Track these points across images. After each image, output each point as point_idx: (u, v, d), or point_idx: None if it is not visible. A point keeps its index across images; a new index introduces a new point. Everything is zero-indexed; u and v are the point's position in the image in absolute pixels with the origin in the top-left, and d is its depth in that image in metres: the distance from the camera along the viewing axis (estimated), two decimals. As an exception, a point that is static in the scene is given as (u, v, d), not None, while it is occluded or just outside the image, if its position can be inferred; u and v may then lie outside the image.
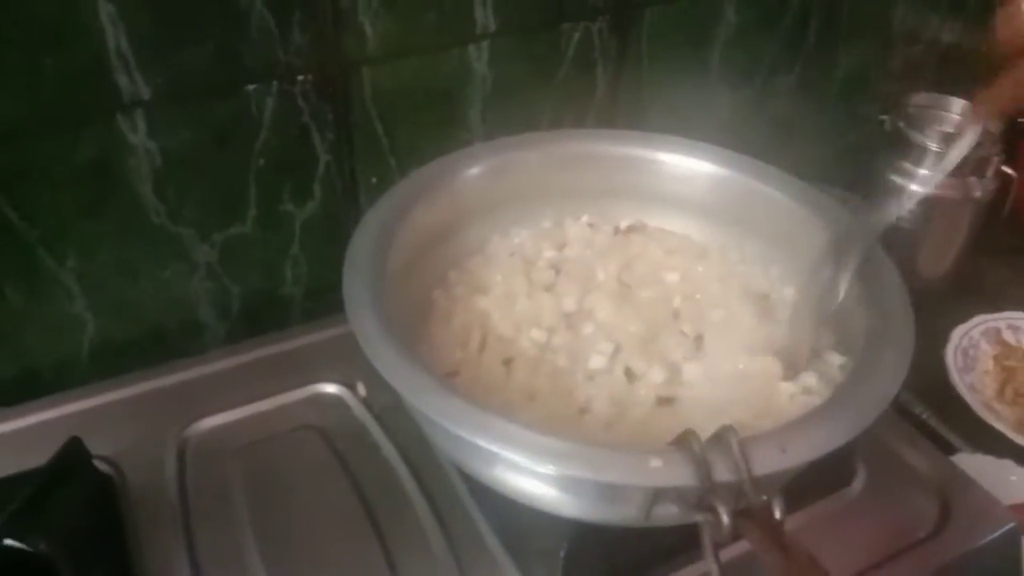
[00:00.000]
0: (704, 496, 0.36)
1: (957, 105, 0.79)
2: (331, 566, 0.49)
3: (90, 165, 0.53)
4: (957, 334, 0.81)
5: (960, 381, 0.76)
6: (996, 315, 0.84)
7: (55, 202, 0.54)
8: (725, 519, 0.35)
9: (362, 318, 0.47)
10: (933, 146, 0.76)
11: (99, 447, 0.54)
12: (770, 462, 0.38)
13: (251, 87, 0.56)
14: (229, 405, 0.58)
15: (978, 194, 0.80)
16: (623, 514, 0.42)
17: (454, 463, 0.52)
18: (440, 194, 0.56)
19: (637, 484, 0.38)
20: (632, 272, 0.58)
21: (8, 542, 0.47)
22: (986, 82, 0.46)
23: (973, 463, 0.66)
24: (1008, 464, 0.68)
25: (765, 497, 0.36)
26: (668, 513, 0.41)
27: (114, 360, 0.61)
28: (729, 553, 0.41)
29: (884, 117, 0.81)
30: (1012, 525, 0.53)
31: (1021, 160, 0.85)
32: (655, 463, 0.38)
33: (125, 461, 0.54)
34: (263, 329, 0.64)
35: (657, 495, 0.40)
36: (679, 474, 0.37)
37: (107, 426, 0.56)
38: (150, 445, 0.55)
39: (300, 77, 0.57)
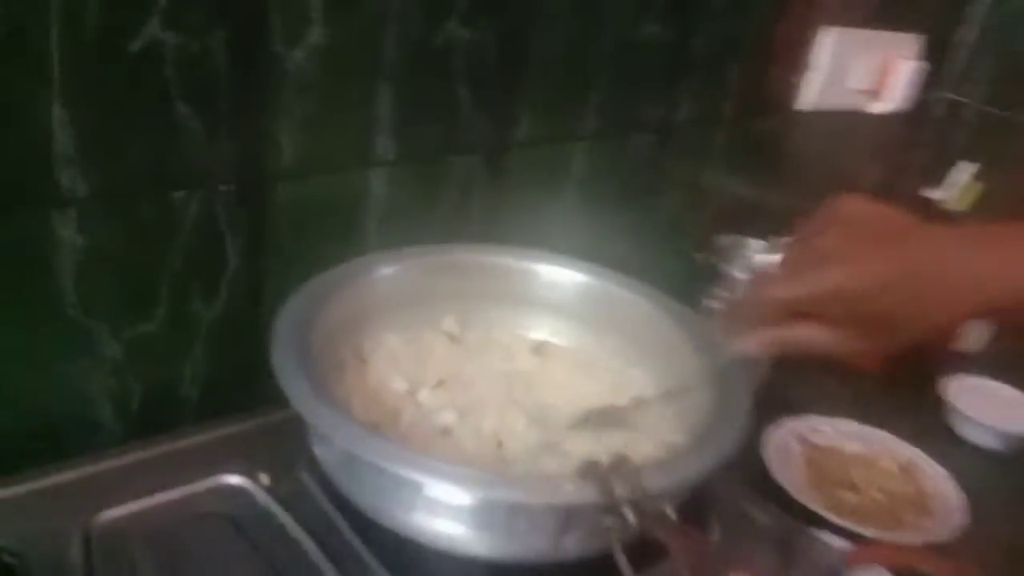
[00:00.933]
0: (610, 507, 0.44)
1: (756, 244, 0.97)
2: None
3: (13, 251, 0.56)
4: (770, 435, 0.95)
5: (778, 474, 0.89)
6: (800, 419, 0.99)
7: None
8: (631, 518, 0.43)
9: (295, 383, 0.52)
10: (739, 275, 0.92)
11: (1, 539, 0.53)
12: (658, 480, 0.46)
13: (178, 193, 0.61)
14: (133, 496, 0.59)
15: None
16: (536, 546, 0.49)
17: (375, 516, 0.55)
18: (351, 290, 0.63)
19: (556, 503, 0.45)
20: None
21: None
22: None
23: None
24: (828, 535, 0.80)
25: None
26: (576, 542, 0.48)
27: (8, 455, 0.60)
28: None
29: (698, 254, 0.97)
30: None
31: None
32: (568, 487, 0.45)
33: (30, 552, 0.54)
34: (159, 428, 0.66)
35: (569, 518, 0.47)
36: (589, 492, 0.45)
37: (8, 518, 0.55)
38: (55, 536, 0.55)
39: (222, 187, 0.63)
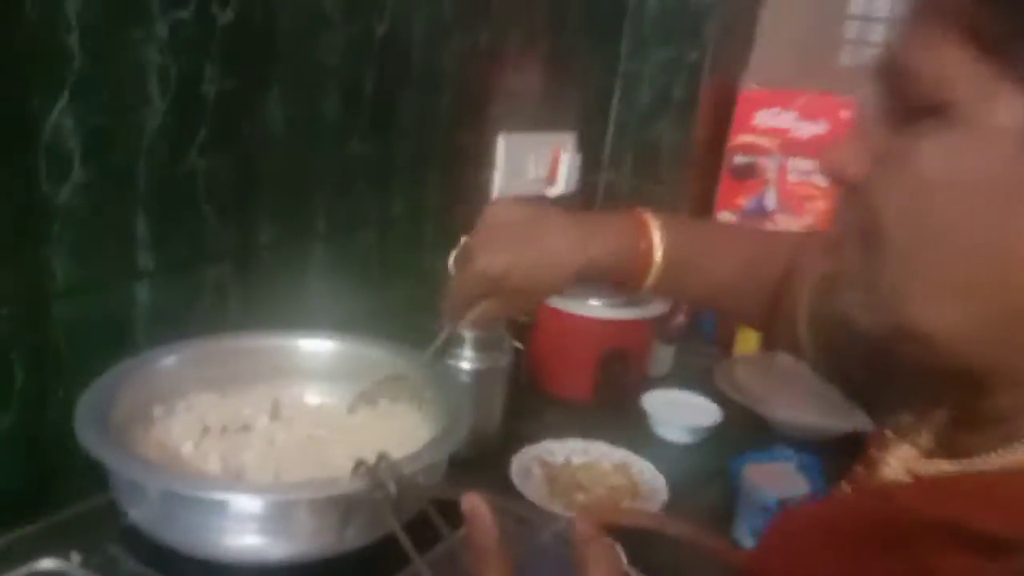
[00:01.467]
0: (380, 486, 0.60)
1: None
2: None
3: None
4: (514, 461, 1.15)
5: (523, 490, 1.08)
6: (535, 445, 1.20)
7: None
8: (392, 487, 0.59)
9: (107, 449, 0.63)
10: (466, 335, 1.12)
11: None
12: (412, 465, 0.63)
13: (-36, 319, 0.70)
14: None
15: (502, 363, 1.18)
16: (323, 540, 0.63)
17: (189, 550, 0.66)
18: (135, 379, 0.75)
19: (339, 494, 0.60)
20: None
21: None
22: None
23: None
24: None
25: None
26: (358, 529, 0.62)
27: None
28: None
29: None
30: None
31: (526, 340, 1.27)
32: (345, 481, 0.61)
33: None
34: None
35: (350, 507, 0.62)
36: (361, 483, 0.61)
37: None
38: None
39: (5, 310, 0.73)
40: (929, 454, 0.49)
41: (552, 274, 0.73)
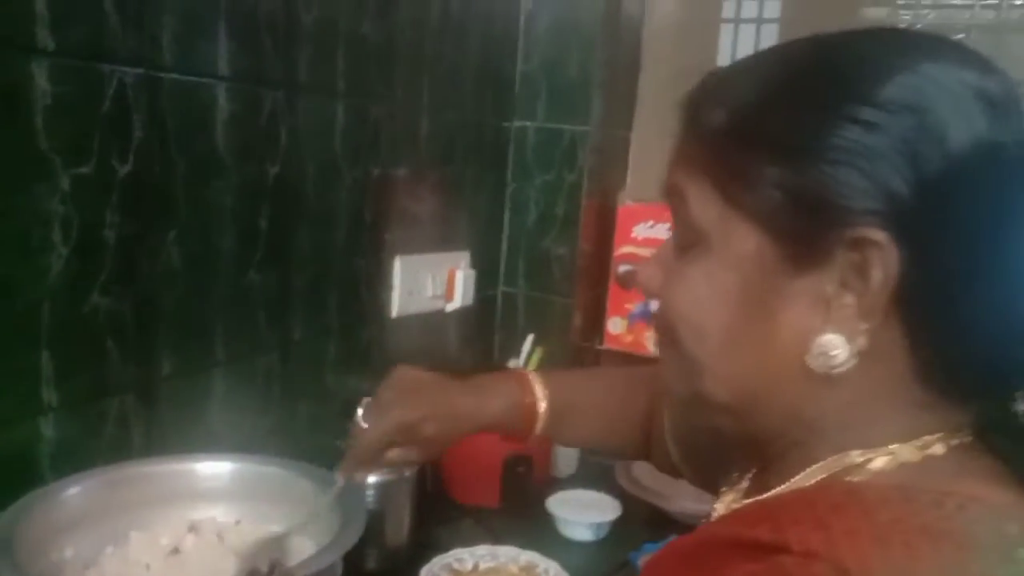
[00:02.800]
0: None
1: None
2: None
3: None
4: (424, 572, 1.19)
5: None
6: (446, 554, 1.24)
7: None
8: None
9: None
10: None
11: None
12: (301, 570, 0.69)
13: None
14: None
15: (407, 474, 1.24)
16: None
17: None
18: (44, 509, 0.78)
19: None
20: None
21: None
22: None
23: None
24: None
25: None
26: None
27: None
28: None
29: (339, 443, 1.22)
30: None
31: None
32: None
33: None
34: None
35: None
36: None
37: None
38: None
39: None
40: (745, 495, 0.61)
41: (459, 428, 0.86)
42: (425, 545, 1.27)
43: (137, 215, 0.95)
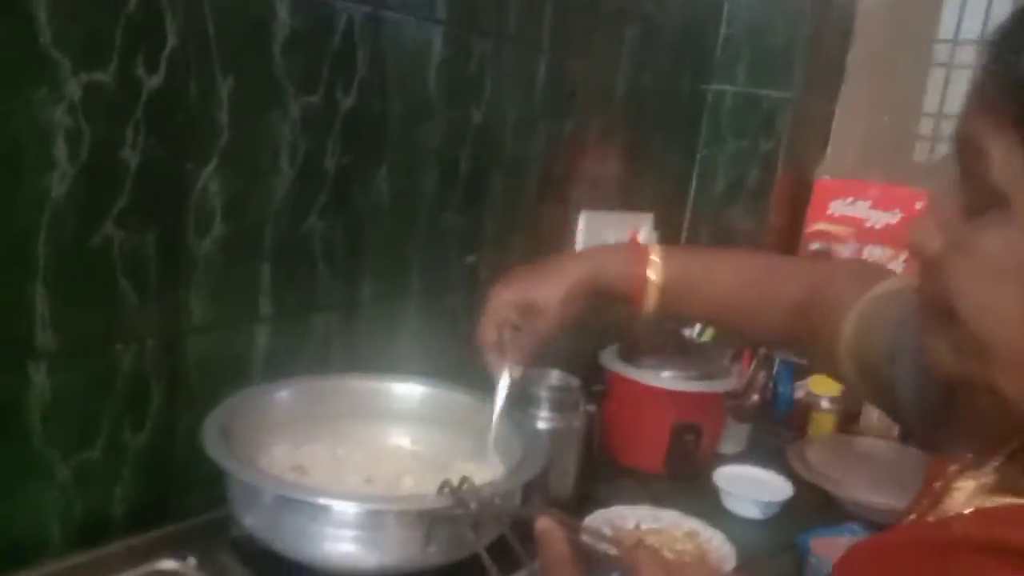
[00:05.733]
0: (458, 502, 0.68)
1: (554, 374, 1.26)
2: None
3: (2, 400, 0.75)
4: (586, 521, 1.20)
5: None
6: (607, 510, 1.25)
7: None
8: (473, 505, 0.67)
9: (228, 458, 0.73)
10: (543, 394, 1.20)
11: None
12: (489, 490, 0.71)
13: (118, 346, 0.83)
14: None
15: (576, 425, 1.25)
16: (408, 553, 0.71)
17: (293, 553, 0.75)
18: (253, 404, 0.86)
19: (424, 508, 0.69)
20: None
21: None
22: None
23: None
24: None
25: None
26: (441, 546, 0.70)
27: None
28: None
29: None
30: None
31: (601, 406, 1.34)
32: (430, 498, 0.69)
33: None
34: (96, 540, 0.83)
35: (432, 522, 0.70)
36: (445, 500, 0.69)
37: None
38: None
39: (149, 341, 0.85)
40: (992, 491, 0.52)
41: (559, 282, 0.85)
42: (588, 499, 1.28)
43: (354, 148, 1.01)
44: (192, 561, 0.81)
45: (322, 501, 0.68)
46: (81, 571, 0.78)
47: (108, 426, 0.84)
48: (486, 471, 0.86)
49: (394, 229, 1.10)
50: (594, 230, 1.46)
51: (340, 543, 0.71)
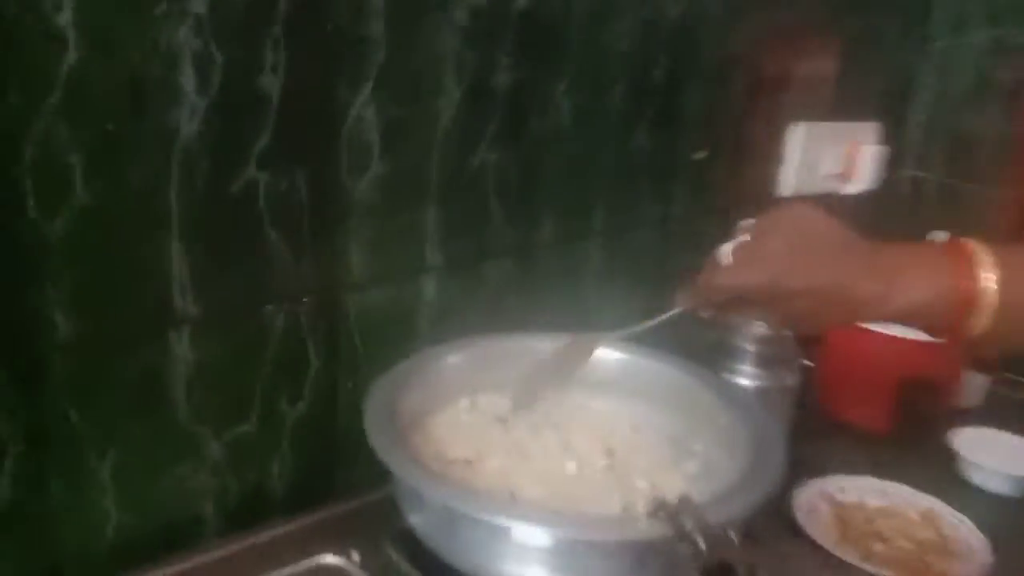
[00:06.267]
0: (683, 537, 0.52)
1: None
2: None
3: (141, 372, 0.65)
4: (798, 495, 1.02)
5: (808, 530, 0.96)
6: (824, 479, 1.06)
7: (108, 405, 0.64)
8: (702, 545, 0.51)
9: (394, 454, 0.60)
10: (749, 348, 1.01)
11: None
12: (719, 513, 0.55)
13: (268, 307, 0.71)
14: (243, 580, 0.67)
15: (789, 383, 1.06)
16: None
17: (468, 569, 0.63)
18: (422, 374, 0.73)
19: (634, 539, 0.53)
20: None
21: None
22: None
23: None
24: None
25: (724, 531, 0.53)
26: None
27: (129, 552, 0.68)
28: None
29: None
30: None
31: (816, 357, 1.14)
32: (642, 523, 0.54)
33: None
34: (252, 520, 0.74)
35: (643, 553, 0.55)
36: (661, 527, 0.53)
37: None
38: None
39: (304, 299, 0.73)
40: None
41: (841, 318, 0.65)
42: (799, 465, 1.09)
43: (529, 58, 0.83)
44: (356, 556, 0.70)
45: (499, 521, 0.54)
46: (237, 562, 0.69)
47: (262, 397, 0.74)
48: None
49: (576, 157, 0.92)
50: (808, 146, 1.22)
51: (525, 566, 0.57)
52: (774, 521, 0.96)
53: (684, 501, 0.55)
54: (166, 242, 0.64)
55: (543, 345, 0.79)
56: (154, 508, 0.70)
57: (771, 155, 1.21)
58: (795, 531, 0.92)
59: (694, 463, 0.73)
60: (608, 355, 0.79)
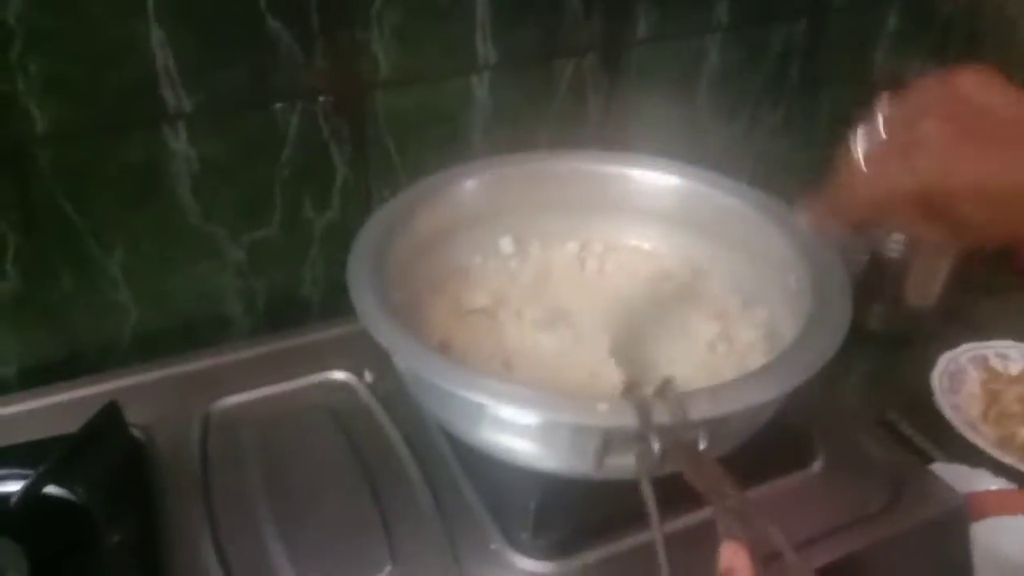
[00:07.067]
0: (642, 433, 0.42)
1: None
2: (333, 525, 0.55)
3: (137, 167, 0.62)
4: (944, 359, 0.85)
5: (944, 402, 0.79)
6: (984, 343, 0.87)
7: (106, 198, 0.62)
8: (655, 447, 0.41)
9: (364, 297, 0.53)
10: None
11: (134, 417, 0.61)
12: (702, 409, 0.43)
13: (278, 105, 0.64)
14: (249, 386, 0.65)
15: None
16: (579, 463, 0.48)
17: (440, 425, 0.58)
18: (436, 203, 0.63)
19: (587, 424, 0.44)
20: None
21: (50, 489, 0.54)
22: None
23: (948, 471, 0.70)
24: (982, 473, 0.72)
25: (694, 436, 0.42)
26: (618, 464, 0.46)
27: (151, 345, 0.68)
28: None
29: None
30: (959, 505, 0.57)
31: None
32: (602, 407, 0.44)
33: (155, 430, 0.61)
34: (284, 325, 0.72)
35: (606, 439, 0.45)
36: (622, 416, 0.43)
37: (141, 400, 0.63)
38: (178, 417, 0.62)
39: (321, 98, 0.65)
40: None
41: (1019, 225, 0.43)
42: (958, 320, 0.91)
43: None
44: (368, 376, 0.67)
45: (476, 398, 0.46)
46: (249, 366, 0.67)
47: (283, 201, 0.69)
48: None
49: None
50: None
51: (506, 437, 0.49)
52: (903, 387, 0.81)
53: (663, 385, 0.44)
54: (143, 27, 0.57)
55: (588, 167, 0.67)
56: (175, 305, 0.69)
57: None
58: (925, 405, 0.78)
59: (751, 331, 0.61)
60: (664, 181, 0.65)
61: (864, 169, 0.45)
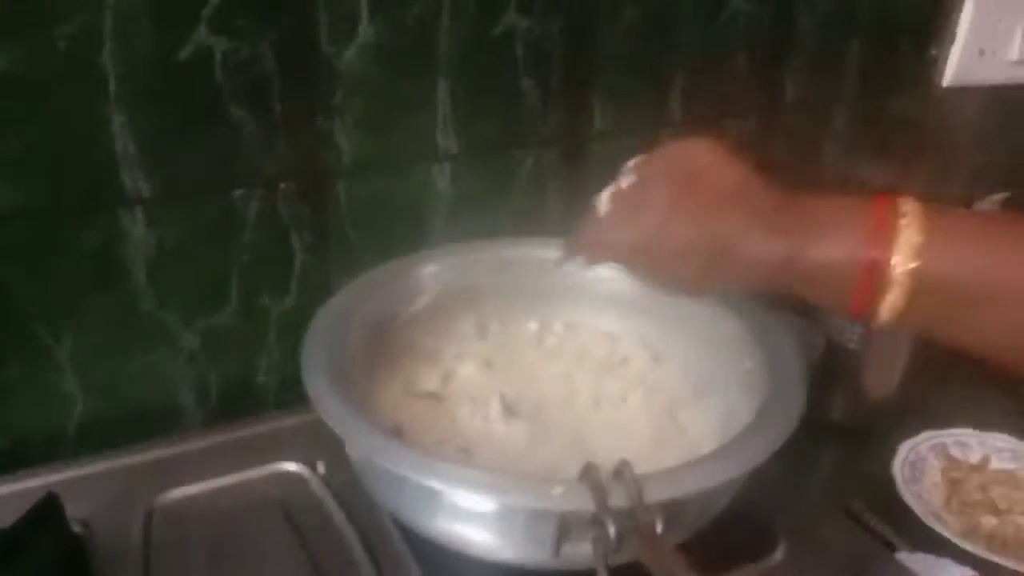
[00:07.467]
0: (598, 517, 0.41)
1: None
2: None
3: (92, 251, 0.61)
4: (904, 448, 0.85)
5: (907, 491, 0.79)
6: (943, 431, 0.88)
7: (58, 282, 0.61)
8: (612, 531, 0.40)
9: (316, 380, 0.53)
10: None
11: (76, 511, 0.58)
12: (658, 491, 0.43)
13: (238, 191, 0.65)
14: (198, 478, 0.63)
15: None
16: (536, 552, 0.47)
17: (395, 517, 0.56)
18: (394, 287, 0.64)
19: (541, 508, 0.43)
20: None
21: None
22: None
23: (913, 560, 0.69)
24: (946, 562, 0.71)
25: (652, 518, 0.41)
26: (575, 552, 0.45)
27: (99, 436, 0.66)
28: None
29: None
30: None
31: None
32: (558, 490, 0.43)
33: (97, 524, 0.59)
34: (238, 415, 0.70)
35: (563, 524, 0.44)
36: (578, 499, 0.42)
37: (85, 493, 0.61)
38: (122, 511, 0.60)
39: (282, 184, 0.66)
40: None
41: (728, 281, 0.51)
42: (914, 410, 0.91)
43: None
44: (321, 469, 0.65)
45: (421, 480, 0.45)
46: (197, 457, 0.66)
47: (239, 288, 0.68)
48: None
49: (644, 30, 0.76)
50: (985, 20, 0.97)
51: (455, 523, 0.48)
52: (865, 476, 0.81)
53: (620, 467, 0.43)
54: (103, 112, 0.58)
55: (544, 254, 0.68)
56: (125, 394, 0.68)
57: (932, 33, 0.97)
58: (889, 493, 0.77)
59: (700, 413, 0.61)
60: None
61: (602, 220, 0.52)
